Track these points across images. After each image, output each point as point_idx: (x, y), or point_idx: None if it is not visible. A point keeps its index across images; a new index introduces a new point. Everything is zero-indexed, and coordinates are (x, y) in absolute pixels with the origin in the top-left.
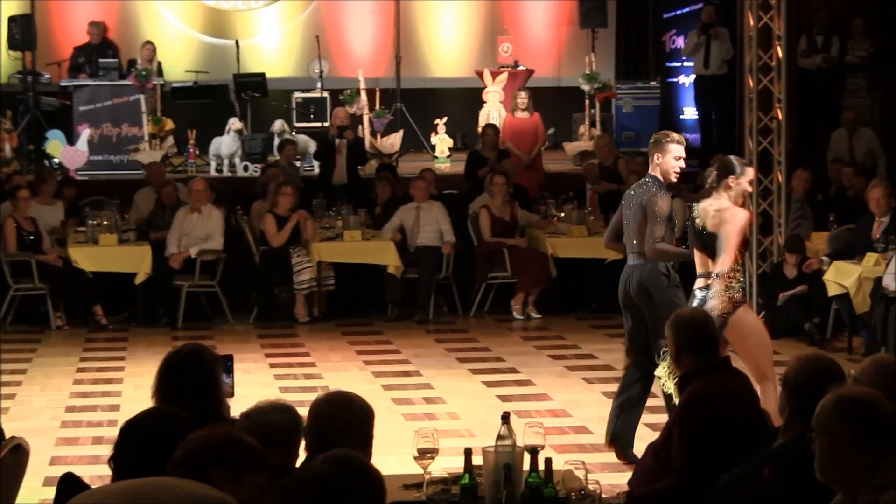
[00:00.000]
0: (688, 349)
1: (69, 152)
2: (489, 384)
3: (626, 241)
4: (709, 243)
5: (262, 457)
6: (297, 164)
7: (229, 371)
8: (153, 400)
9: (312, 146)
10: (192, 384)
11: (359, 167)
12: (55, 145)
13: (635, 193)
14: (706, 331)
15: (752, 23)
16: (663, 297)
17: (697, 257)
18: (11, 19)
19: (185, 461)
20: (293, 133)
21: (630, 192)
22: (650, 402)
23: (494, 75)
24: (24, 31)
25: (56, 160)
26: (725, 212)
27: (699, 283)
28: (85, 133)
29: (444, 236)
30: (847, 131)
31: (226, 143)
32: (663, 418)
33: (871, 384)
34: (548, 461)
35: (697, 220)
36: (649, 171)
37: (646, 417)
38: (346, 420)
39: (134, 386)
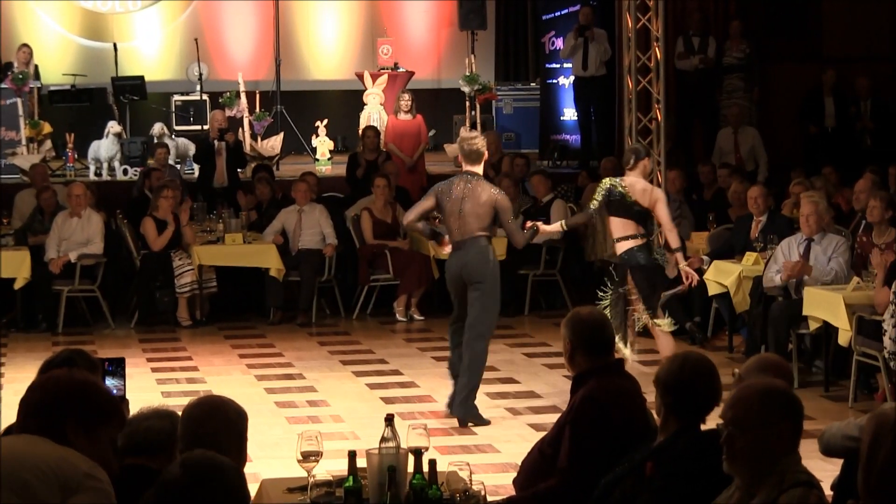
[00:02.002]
0: (583, 349)
1: None
2: (373, 386)
3: (460, 226)
4: (634, 212)
5: (116, 408)
6: (178, 166)
7: (121, 375)
8: None
9: (192, 149)
10: None
11: (238, 170)
12: None
13: (476, 186)
14: (602, 332)
15: (630, 24)
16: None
17: (620, 224)
18: None
19: (40, 412)
20: (173, 136)
21: (461, 184)
22: (535, 402)
23: (375, 77)
24: None
25: None
26: (655, 191)
27: (629, 243)
28: None
29: (327, 239)
30: (732, 128)
31: (105, 147)
32: (547, 419)
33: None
34: (432, 462)
35: (627, 195)
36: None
37: (529, 418)
38: (217, 424)
39: (14, 392)
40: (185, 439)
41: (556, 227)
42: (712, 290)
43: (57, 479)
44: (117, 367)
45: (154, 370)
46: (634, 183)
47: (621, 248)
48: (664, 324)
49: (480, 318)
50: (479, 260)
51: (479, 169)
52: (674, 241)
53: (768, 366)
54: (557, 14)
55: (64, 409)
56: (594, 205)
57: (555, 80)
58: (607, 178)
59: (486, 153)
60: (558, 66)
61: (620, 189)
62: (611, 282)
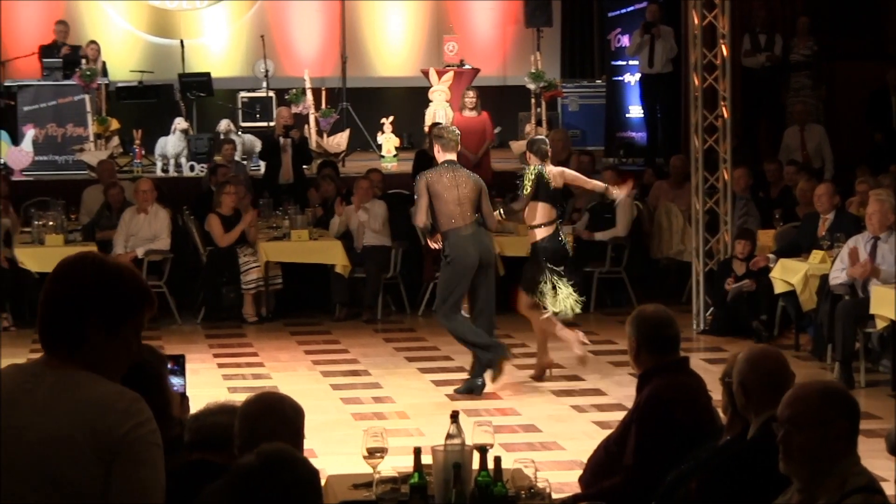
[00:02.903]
0: (648, 347)
1: (14, 153)
2: (438, 383)
3: (462, 212)
4: (555, 197)
5: (144, 298)
6: (244, 162)
7: (182, 372)
8: None
9: (258, 146)
10: (136, 384)
11: (304, 166)
12: (0, 146)
13: (460, 173)
14: (667, 330)
15: (696, 21)
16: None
17: (544, 210)
18: None
19: (59, 314)
20: (239, 133)
21: (448, 173)
22: (600, 400)
23: (440, 74)
24: None
25: (1, 161)
26: (561, 170)
27: (550, 229)
28: (30, 133)
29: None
30: (798, 126)
31: (171, 143)
32: (612, 417)
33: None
34: (497, 459)
35: (550, 181)
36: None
37: (594, 416)
38: (274, 420)
39: None
40: (241, 436)
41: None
42: (778, 288)
43: (92, 451)
44: (178, 364)
45: (220, 366)
46: (552, 169)
47: (543, 233)
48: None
49: (493, 297)
50: (490, 243)
51: (455, 157)
52: (599, 184)
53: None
54: (623, 11)
55: (86, 309)
56: (527, 190)
57: (620, 78)
58: (534, 166)
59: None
60: (624, 63)
61: (547, 177)
62: (543, 269)
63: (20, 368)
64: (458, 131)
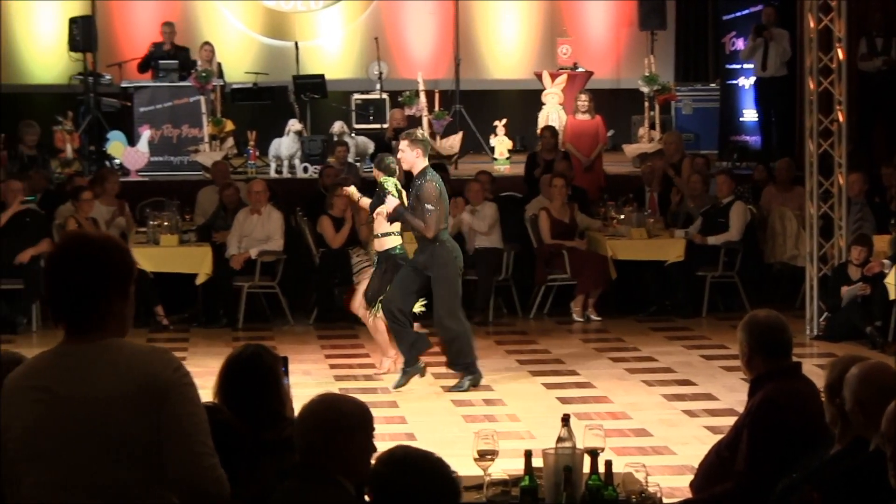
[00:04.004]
0: (761, 352)
1: (131, 153)
2: (549, 386)
3: (447, 217)
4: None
5: (132, 259)
6: (357, 164)
7: (285, 373)
8: (216, 399)
9: (371, 147)
10: (254, 384)
11: None
12: (117, 146)
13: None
14: (781, 335)
15: (812, 24)
16: None
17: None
18: (73, 21)
19: (81, 289)
20: (352, 134)
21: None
22: (712, 405)
23: (554, 77)
24: (85, 33)
25: (117, 161)
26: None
27: (399, 238)
28: (146, 134)
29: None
30: None
31: (285, 145)
32: (724, 422)
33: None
34: (608, 463)
35: (402, 192)
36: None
37: (706, 420)
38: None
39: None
40: (301, 437)
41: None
42: (893, 293)
43: (145, 402)
44: (283, 366)
45: (332, 367)
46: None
47: (393, 241)
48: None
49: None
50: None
51: None
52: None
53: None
54: (738, 14)
55: (107, 282)
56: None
57: (735, 81)
58: (389, 178)
59: None
60: (738, 66)
61: (399, 188)
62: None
63: (49, 352)
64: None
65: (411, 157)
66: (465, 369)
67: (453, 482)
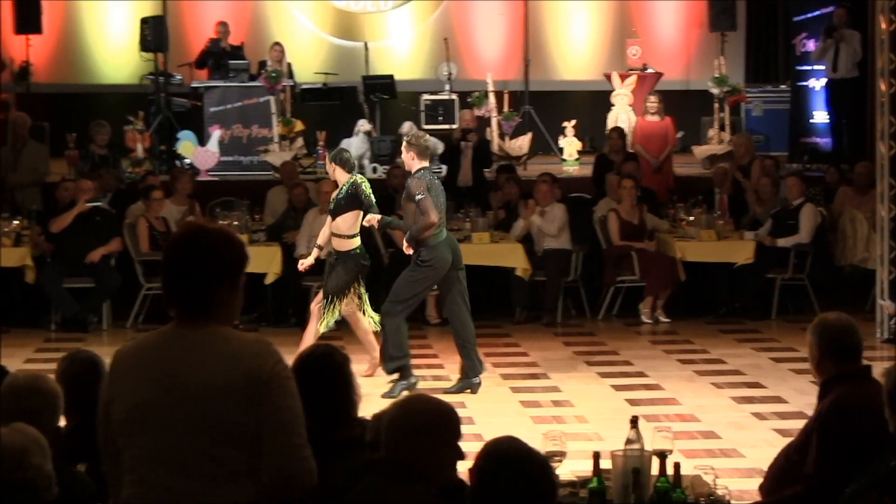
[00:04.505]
0: (830, 355)
1: (201, 153)
2: (617, 388)
3: (441, 218)
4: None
5: (246, 251)
6: None
7: None
8: None
9: (440, 148)
10: (324, 384)
11: (485, 170)
12: (188, 146)
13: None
14: (850, 338)
15: (883, 25)
16: None
17: (353, 217)
18: (144, 21)
19: (196, 278)
20: None
21: (437, 181)
22: (781, 407)
23: (623, 78)
24: (156, 33)
25: (188, 161)
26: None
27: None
28: (216, 134)
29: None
30: None
31: (355, 145)
32: (793, 424)
33: None
34: (676, 466)
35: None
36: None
37: (775, 423)
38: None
39: None
40: (390, 434)
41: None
42: None
43: (247, 392)
44: None
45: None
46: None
47: (357, 242)
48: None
49: (466, 299)
50: (459, 246)
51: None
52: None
53: None
54: (809, 15)
55: (218, 273)
56: (373, 199)
57: (805, 83)
58: (359, 177)
59: None
60: (809, 68)
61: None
62: (360, 277)
63: (158, 333)
64: (431, 140)
65: (407, 160)
66: (398, 371)
67: (553, 480)
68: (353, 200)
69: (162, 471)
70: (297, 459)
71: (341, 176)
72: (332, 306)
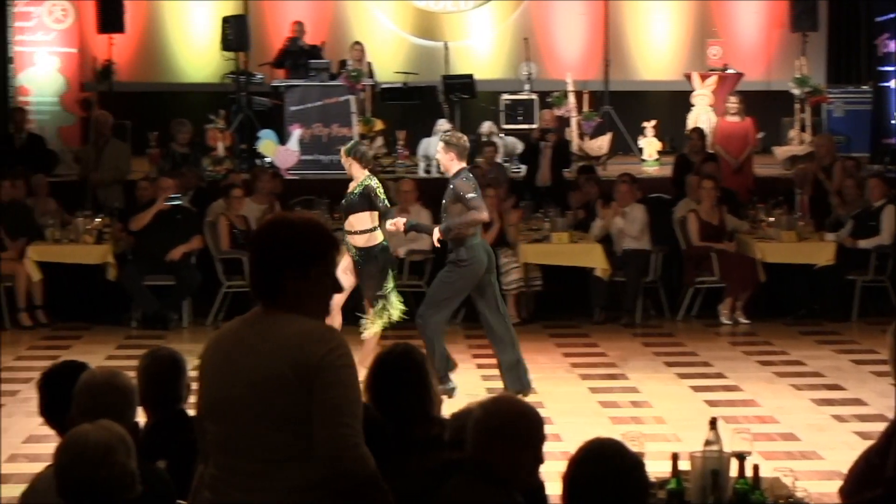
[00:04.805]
0: None
1: (282, 152)
2: (696, 389)
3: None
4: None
5: (328, 243)
6: (506, 164)
7: None
8: (365, 397)
9: (520, 148)
10: (404, 382)
11: (565, 170)
12: (269, 145)
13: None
14: None
15: None
16: None
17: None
18: (226, 20)
19: (262, 266)
20: (501, 135)
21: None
22: (862, 410)
23: (703, 78)
24: (238, 32)
25: (268, 159)
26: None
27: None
28: (296, 133)
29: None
30: None
31: (434, 145)
32: (874, 427)
33: None
34: (756, 468)
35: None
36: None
37: (855, 426)
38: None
39: None
40: (476, 436)
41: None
42: None
43: (296, 380)
44: None
45: (479, 367)
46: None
47: (378, 237)
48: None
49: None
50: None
51: None
52: None
53: None
54: (892, 16)
55: (281, 262)
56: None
57: (887, 84)
58: (374, 178)
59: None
60: (891, 68)
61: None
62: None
63: (241, 319)
64: (466, 139)
65: (445, 160)
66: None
67: (646, 481)
68: (365, 201)
69: (229, 455)
70: (344, 447)
71: (357, 171)
72: (383, 308)
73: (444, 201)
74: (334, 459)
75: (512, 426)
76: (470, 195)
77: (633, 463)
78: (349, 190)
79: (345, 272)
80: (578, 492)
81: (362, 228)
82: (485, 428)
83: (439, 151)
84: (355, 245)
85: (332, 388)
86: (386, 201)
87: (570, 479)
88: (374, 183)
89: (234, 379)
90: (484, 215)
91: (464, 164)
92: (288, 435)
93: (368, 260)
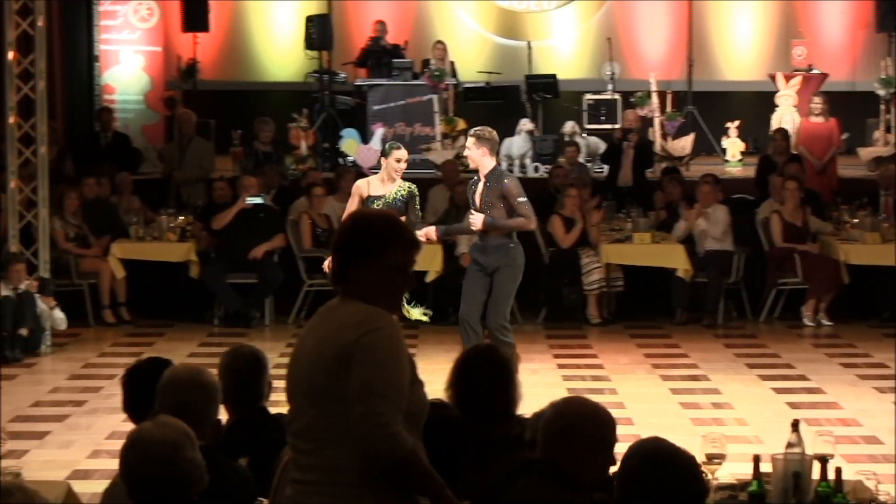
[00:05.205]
0: None
1: (364, 151)
2: (778, 391)
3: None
4: None
5: (389, 236)
6: (588, 164)
7: None
8: (447, 395)
9: (602, 148)
10: (487, 381)
11: (648, 170)
12: (351, 144)
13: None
14: None
15: None
16: None
17: None
18: (309, 19)
19: (335, 257)
20: (584, 135)
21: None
22: None
23: (788, 79)
24: (321, 31)
25: (351, 158)
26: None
27: None
28: (379, 132)
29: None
30: None
31: (517, 144)
32: None
33: None
34: (838, 470)
35: None
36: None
37: None
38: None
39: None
40: (548, 437)
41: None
42: None
43: (336, 361)
44: None
45: (560, 367)
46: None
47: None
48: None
49: None
50: None
51: None
52: None
53: None
54: None
55: (345, 253)
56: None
57: None
58: (405, 183)
59: None
60: None
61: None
62: None
63: (324, 307)
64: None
65: (476, 155)
66: None
67: (702, 481)
68: (405, 206)
69: (291, 435)
70: (373, 426)
71: (488, 162)
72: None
73: (480, 194)
74: (363, 437)
75: (582, 427)
76: (522, 199)
77: (687, 463)
78: (390, 193)
79: None
80: (631, 492)
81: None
82: (552, 428)
83: (470, 147)
84: None
85: (364, 367)
86: (419, 213)
87: (622, 479)
88: (416, 191)
89: (299, 362)
90: (533, 225)
91: (495, 160)
92: (330, 415)
93: None
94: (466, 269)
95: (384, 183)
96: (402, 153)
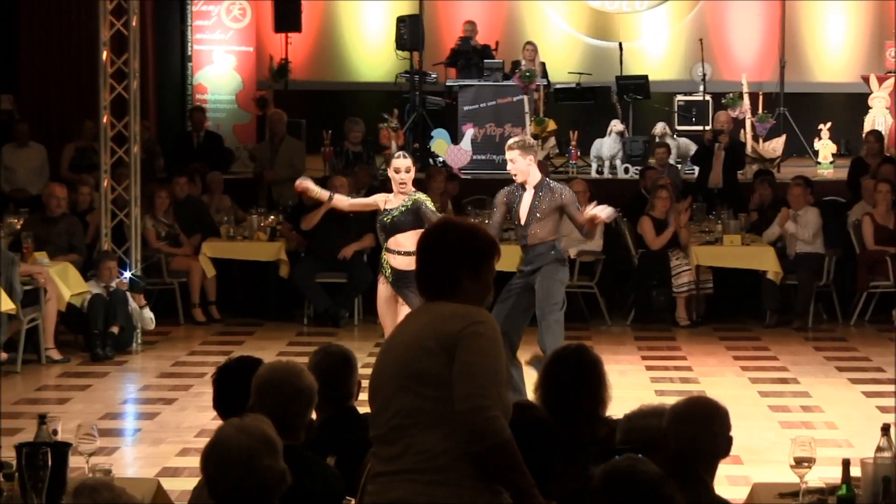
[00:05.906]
0: None
1: (454, 151)
2: (868, 394)
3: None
4: None
5: (493, 244)
6: (678, 166)
7: None
8: (535, 395)
9: (693, 149)
10: (575, 382)
11: (739, 172)
12: (441, 144)
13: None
14: None
15: None
16: None
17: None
18: (400, 20)
19: (438, 265)
20: (674, 136)
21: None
22: None
23: (881, 80)
24: (412, 32)
25: (441, 159)
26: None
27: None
28: (469, 132)
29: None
30: None
31: (607, 145)
32: None
33: None
34: None
35: None
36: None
37: None
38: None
39: None
40: (677, 438)
41: None
42: None
43: (438, 348)
44: None
45: (648, 368)
46: None
47: None
48: None
49: None
50: None
51: None
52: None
53: None
54: None
55: (458, 262)
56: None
57: None
58: (422, 194)
59: None
60: None
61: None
62: None
63: (418, 308)
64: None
65: (524, 166)
66: None
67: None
68: (414, 219)
69: (374, 427)
70: (477, 406)
71: (536, 172)
72: None
73: (528, 205)
74: (466, 416)
75: (711, 427)
76: (579, 207)
77: (649, 485)
78: (392, 207)
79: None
80: None
81: (409, 249)
82: (688, 429)
83: (515, 159)
84: (401, 268)
85: (469, 353)
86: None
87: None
88: (425, 198)
89: (388, 357)
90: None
91: (539, 171)
92: (428, 399)
93: (407, 285)
94: (510, 281)
95: (396, 196)
96: (401, 162)
